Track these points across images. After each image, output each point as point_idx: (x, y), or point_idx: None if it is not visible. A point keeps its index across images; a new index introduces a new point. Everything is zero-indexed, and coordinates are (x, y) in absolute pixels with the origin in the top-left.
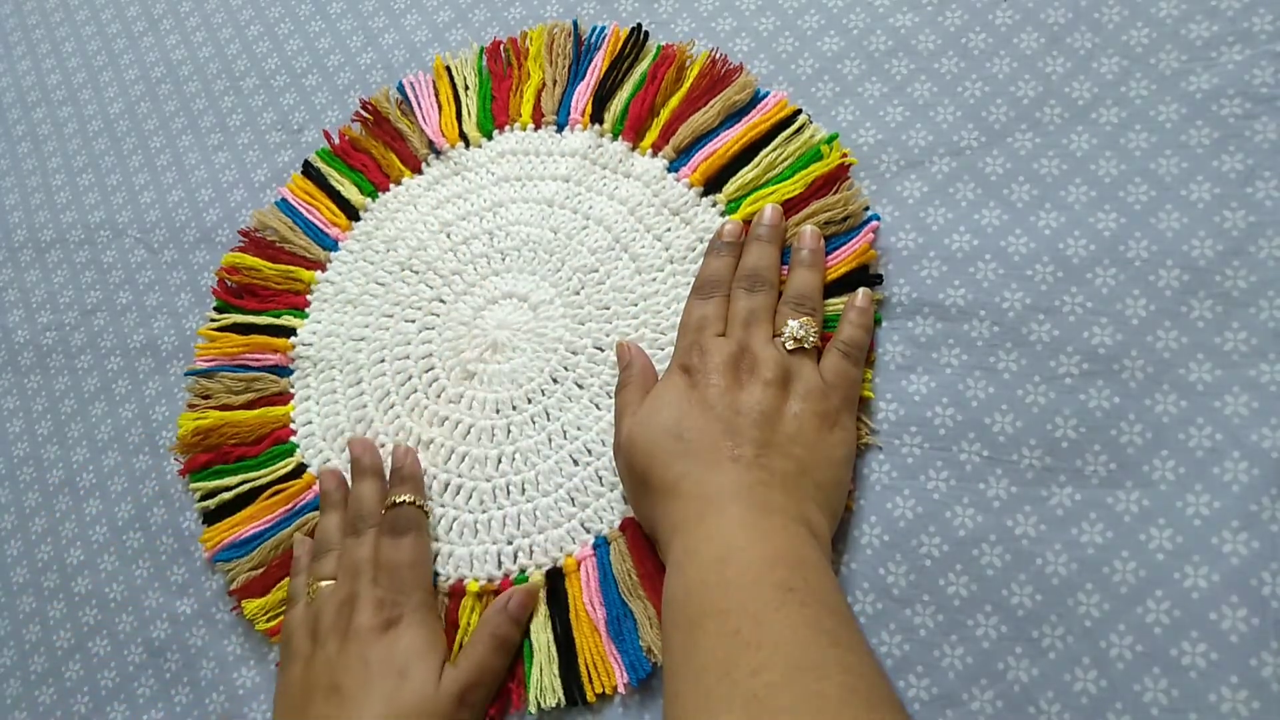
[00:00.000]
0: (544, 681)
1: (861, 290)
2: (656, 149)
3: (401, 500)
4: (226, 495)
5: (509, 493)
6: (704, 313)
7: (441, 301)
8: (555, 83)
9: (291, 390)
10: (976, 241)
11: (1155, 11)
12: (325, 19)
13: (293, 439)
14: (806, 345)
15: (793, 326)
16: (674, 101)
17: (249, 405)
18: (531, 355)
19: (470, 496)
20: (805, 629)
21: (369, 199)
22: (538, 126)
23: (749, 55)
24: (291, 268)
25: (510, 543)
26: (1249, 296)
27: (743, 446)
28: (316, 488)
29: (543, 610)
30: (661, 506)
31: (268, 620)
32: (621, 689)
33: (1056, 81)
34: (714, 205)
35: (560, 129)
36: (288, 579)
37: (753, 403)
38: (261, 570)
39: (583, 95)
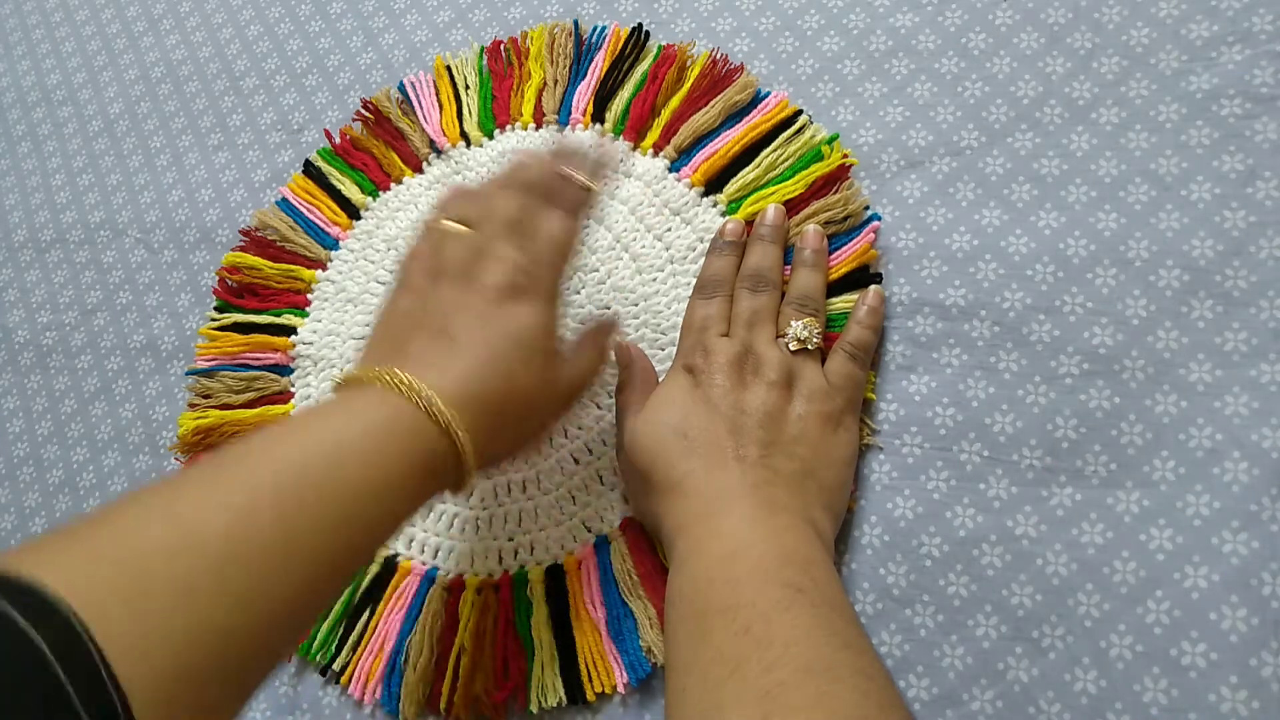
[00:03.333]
0: (544, 680)
1: (873, 289)
2: (657, 149)
3: (578, 178)
4: None
5: (510, 490)
6: (707, 313)
7: None
8: (556, 82)
9: (292, 389)
10: (977, 241)
11: (1155, 11)
12: (325, 19)
13: None
14: (810, 347)
15: (796, 328)
16: (675, 101)
17: (249, 404)
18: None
19: (472, 493)
20: (816, 630)
21: (370, 198)
22: (539, 126)
23: (749, 55)
24: (292, 267)
25: (511, 540)
26: (1249, 296)
27: (747, 446)
28: None
29: (543, 609)
30: (665, 505)
31: None
32: (621, 689)
33: (1056, 81)
34: (715, 205)
35: (561, 129)
36: None
37: (757, 403)
38: None
39: (584, 95)
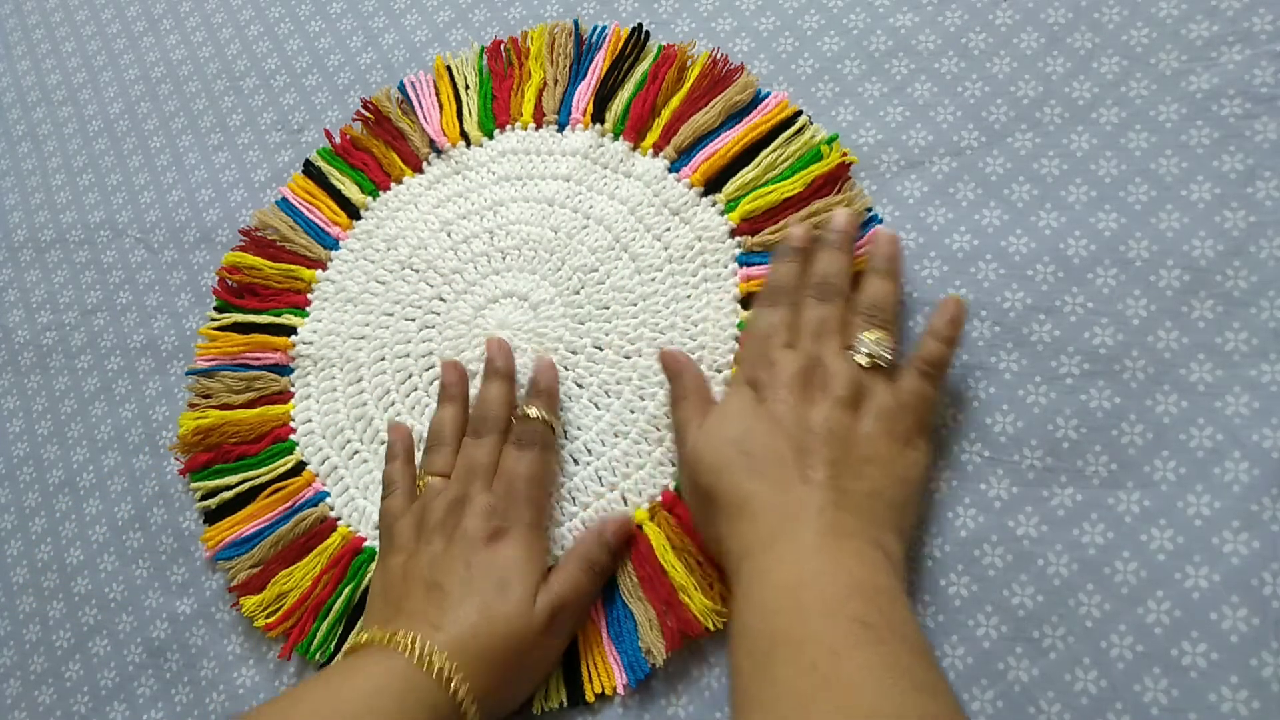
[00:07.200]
0: (546, 682)
1: (954, 298)
2: (657, 149)
3: (535, 414)
4: (227, 494)
5: None
6: (771, 321)
7: (442, 300)
8: (556, 82)
9: (292, 389)
10: (977, 241)
11: (1155, 11)
12: (325, 19)
13: (291, 437)
14: (881, 362)
15: (866, 341)
16: (675, 101)
17: (250, 404)
18: (532, 355)
19: None
20: (884, 671)
21: (370, 198)
22: (539, 126)
23: (749, 55)
24: (292, 266)
25: None
26: (1250, 296)
27: (815, 467)
28: (317, 484)
29: None
30: (729, 526)
31: (266, 616)
32: (621, 690)
33: (1057, 81)
34: (714, 205)
35: (561, 128)
36: (283, 573)
37: (823, 420)
38: (260, 568)
39: (584, 95)
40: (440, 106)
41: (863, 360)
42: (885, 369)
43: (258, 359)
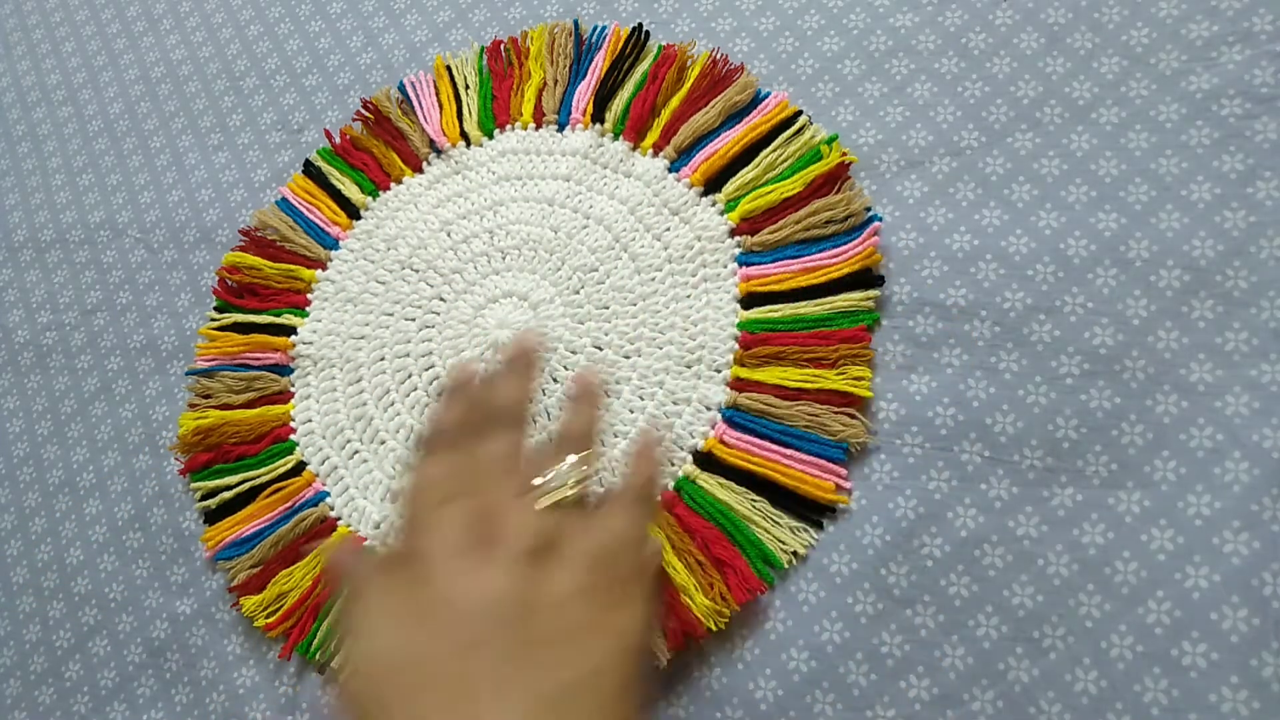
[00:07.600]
0: None
1: (646, 432)
2: (657, 149)
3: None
4: (227, 494)
5: None
6: (427, 475)
7: (442, 300)
8: (556, 82)
9: (292, 389)
10: (977, 241)
11: (1155, 11)
12: (325, 19)
13: (291, 437)
14: (571, 496)
15: (552, 475)
16: (675, 101)
17: (249, 404)
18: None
19: None
20: None
21: (370, 198)
22: (539, 126)
23: (749, 55)
24: (292, 266)
25: None
26: (1250, 296)
27: (492, 669)
28: (317, 484)
29: None
30: None
31: (266, 616)
32: None
33: (1056, 81)
34: (714, 205)
35: (561, 128)
36: (283, 573)
37: (497, 593)
38: (260, 568)
39: (584, 95)
40: (440, 106)
41: (547, 500)
42: (579, 507)
43: (258, 359)
